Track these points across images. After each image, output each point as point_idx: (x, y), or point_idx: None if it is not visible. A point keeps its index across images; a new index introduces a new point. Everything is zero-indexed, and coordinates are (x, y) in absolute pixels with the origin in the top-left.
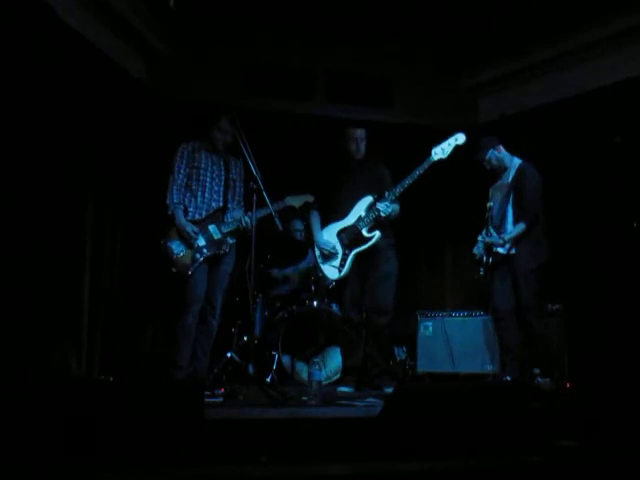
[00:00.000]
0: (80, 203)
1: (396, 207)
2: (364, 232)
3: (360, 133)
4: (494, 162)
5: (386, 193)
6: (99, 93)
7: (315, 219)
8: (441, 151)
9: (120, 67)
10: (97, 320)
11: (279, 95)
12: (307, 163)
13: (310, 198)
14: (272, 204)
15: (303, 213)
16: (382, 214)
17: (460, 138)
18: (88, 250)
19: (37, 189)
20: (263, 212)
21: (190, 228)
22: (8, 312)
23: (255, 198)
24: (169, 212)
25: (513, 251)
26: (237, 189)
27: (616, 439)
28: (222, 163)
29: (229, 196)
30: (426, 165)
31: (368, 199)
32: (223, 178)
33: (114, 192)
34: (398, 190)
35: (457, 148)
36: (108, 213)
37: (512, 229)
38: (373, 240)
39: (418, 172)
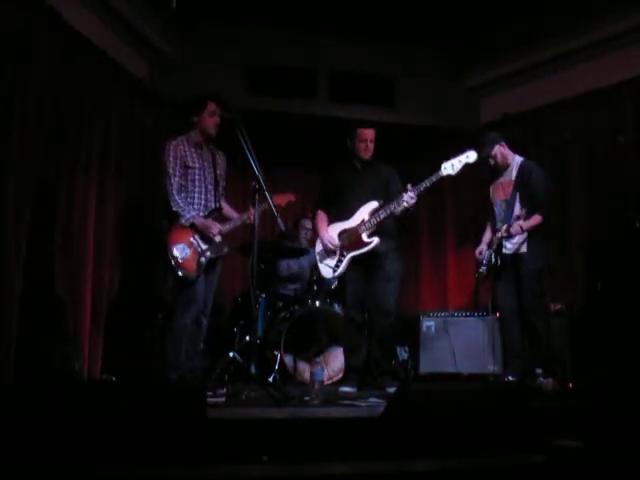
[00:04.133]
0: (81, 203)
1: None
2: (364, 236)
3: (371, 134)
4: (499, 158)
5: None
6: (102, 93)
7: (321, 217)
8: (451, 167)
9: (123, 68)
10: (99, 319)
11: (281, 95)
12: (309, 162)
13: (292, 197)
14: (258, 206)
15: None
16: (406, 204)
17: (472, 156)
18: (89, 250)
19: (38, 190)
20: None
21: (217, 228)
22: (9, 312)
23: (257, 197)
24: (183, 221)
25: (524, 249)
26: (223, 184)
27: (618, 439)
28: (211, 159)
29: (219, 194)
30: (434, 179)
31: (373, 204)
32: (213, 175)
33: (116, 192)
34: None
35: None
36: (110, 213)
37: (527, 221)
38: (371, 246)
39: (425, 185)
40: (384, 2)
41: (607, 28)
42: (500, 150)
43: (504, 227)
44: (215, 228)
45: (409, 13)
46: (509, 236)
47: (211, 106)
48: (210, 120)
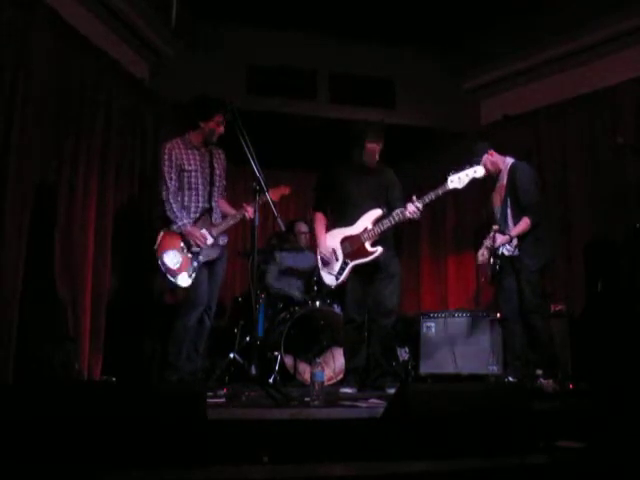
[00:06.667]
0: (81, 203)
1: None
2: (367, 245)
3: (379, 148)
4: (489, 167)
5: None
6: (102, 93)
7: (320, 222)
8: (457, 180)
9: (123, 68)
10: (99, 319)
11: (282, 96)
12: (309, 163)
13: (287, 190)
14: (254, 201)
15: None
16: (409, 215)
17: (479, 171)
18: (89, 250)
19: (38, 190)
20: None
21: (202, 238)
22: (9, 312)
23: (257, 199)
24: (174, 228)
25: (517, 252)
26: (221, 182)
27: (619, 440)
28: (207, 159)
29: (214, 194)
30: (440, 192)
31: (376, 212)
32: (209, 176)
33: (116, 192)
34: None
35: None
36: (110, 213)
37: (515, 225)
38: (374, 255)
39: (431, 197)
40: (384, 4)
41: (607, 28)
42: (489, 159)
43: (492, 235)
44: (201, 239)
45: (409, 14)
46: (496, 246)
47: (219, 117)
48: (216, 129)
